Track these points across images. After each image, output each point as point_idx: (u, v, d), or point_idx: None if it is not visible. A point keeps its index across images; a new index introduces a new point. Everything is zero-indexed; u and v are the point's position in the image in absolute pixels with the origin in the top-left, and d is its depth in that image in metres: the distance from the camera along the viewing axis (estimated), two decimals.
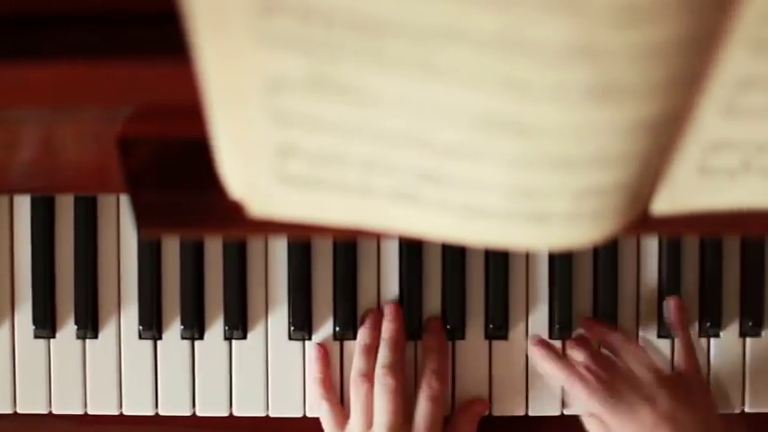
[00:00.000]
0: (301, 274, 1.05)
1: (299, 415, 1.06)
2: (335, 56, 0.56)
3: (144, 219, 0.74)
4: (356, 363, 1.05)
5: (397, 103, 0.58)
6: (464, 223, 0.67)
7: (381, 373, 1.02)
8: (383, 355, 1.04)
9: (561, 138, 0.59)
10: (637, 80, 0.55)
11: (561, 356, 1.04)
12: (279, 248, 1.05)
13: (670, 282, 1.05)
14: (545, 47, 0.53)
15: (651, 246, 1.06)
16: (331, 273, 1.05)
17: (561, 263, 1.05)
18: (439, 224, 0.68)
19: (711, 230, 0.78)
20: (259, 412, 1.06)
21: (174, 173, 0.74)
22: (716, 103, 0.64)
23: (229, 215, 0.72)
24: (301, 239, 1.04)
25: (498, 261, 1.05)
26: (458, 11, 0.52)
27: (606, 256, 1.05)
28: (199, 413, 1.06)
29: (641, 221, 0.73)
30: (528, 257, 1.06)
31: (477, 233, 0.68)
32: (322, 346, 1.06)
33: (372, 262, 1.06)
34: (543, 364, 1.04)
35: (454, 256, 1.05)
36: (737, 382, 1.06)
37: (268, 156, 0.64)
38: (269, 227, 0.71)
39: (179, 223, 0.75)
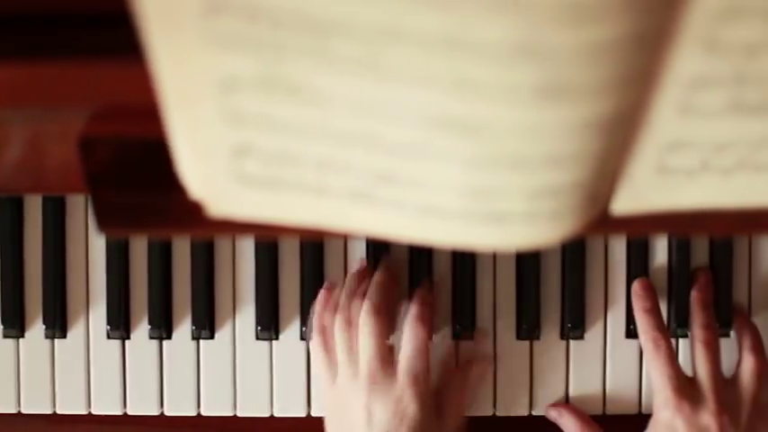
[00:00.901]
0: (268, 274, 1.05)
1: (267, 414, 1.06)
2: (284, 56, 0.56)
3: (105, 218, 0.74)
4: (342, 305, 1.02)
5: (348, 102, 0.58)
6: (422, 223, 0.67)
7: (365, 310, 0.99)
8: (370, 293, 1.01)
9: (514, 137, 0.59)
10: (587, 79, 0.55)
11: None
12: (246, 248, 1.05)
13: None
14: (491, 46, 0.53)
15: (619, 246, 1.06)
16: (298, 273, 1.05)
17: (528, 264, 1.06)
18: (397, 224, 0.68)
19: (674, 230, 0.79)
20: (227, 412, 1.06)
21: (135, 173, 0.74)
22: (671, 102, 0.64)
23: (190, 215, 0.72)
24: (268, 239, 1.04)
25: (465, 261, 1.05)
26: (402, 10, 0.52)
27: (573, 256, 1.05)
28: (167, 413, 1.06)
29: (602, 221, 0.73)
30: (495, 258, 1.06)
31: (436, 233, 0.68)
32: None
33: (339, 262, 1.06)
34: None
35: (420, 256, 1.05)
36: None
37: (224, 156, 0.65)
38: (229, 227, 0.71)
39: (140, 223, 0.75)
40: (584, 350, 1.07)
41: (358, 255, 1.06)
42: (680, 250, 1.05)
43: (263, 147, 0.63)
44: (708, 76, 0.62)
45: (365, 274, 1.04)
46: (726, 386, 1.01)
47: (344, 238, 1.05)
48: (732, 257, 1.06)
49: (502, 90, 0.55)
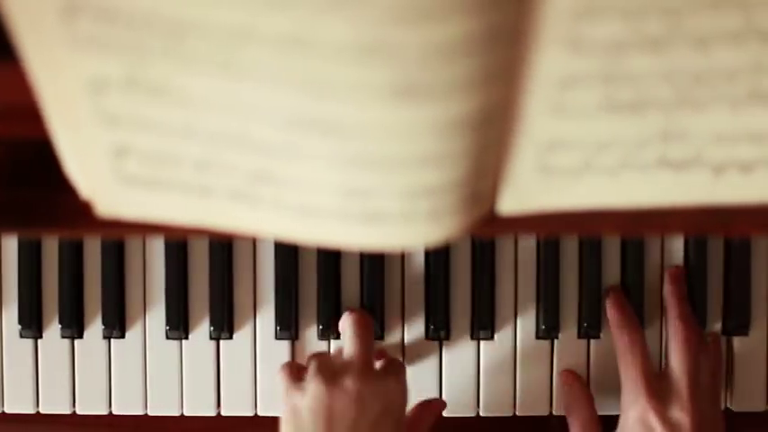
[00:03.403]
0: (178, 274, 1.06)
1: (177, 413, 1.07)
2: (145, 57, 0.56)
3: None
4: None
5: (212, 103, 0.59)
6: (302, 223, 0.68)
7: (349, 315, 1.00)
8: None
9: (374, 137, 0.59)
10: (440, 78, 0.56)
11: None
12: (157, 248, 1.06)
13: (547, 283, 1.06)
14: (335, 46, 0.53)
15: (529, 247, 1.06)
16: (207, 273, 1.06)
17: (437, 264, 1.06)
18: (278, 224, 0.69)
19: (564, 230, 0.79)
20: (138, 411, 1.06)
21: (28, 172, 0.75)
22: (543, 102, 0.64)
23: (81, 215, 0.73)
24: (177, 240, 1.04)
25: (374, 263, 1.06)
26: (249, 11, 0.52)
27: (483, 257, 1.06)
28: (79, 411, 1.07)
29: (491, 221, 0.73)
30: (403, 259, 1.06)
31: (316, 233, 0.69)
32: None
33: (248, 263, 1.06)
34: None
35: (328, 257, 1.05)
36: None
37: (105, 156, 0.65)
38: (120, 227, 0.72)
39: (31, 222, 0.75)
40: (494, 351, 1.07)
41: (267, 256, 1.06)
42: (591, 251, 1.06)
43: (141, 147, 0.64)
44: (575, 76, 0.62)
45: None
46: (699, 382, 1.00)
47: (253, 240, 1.05)
48: (643, 258, 1.06)
49: (356, 90, 0.56)
